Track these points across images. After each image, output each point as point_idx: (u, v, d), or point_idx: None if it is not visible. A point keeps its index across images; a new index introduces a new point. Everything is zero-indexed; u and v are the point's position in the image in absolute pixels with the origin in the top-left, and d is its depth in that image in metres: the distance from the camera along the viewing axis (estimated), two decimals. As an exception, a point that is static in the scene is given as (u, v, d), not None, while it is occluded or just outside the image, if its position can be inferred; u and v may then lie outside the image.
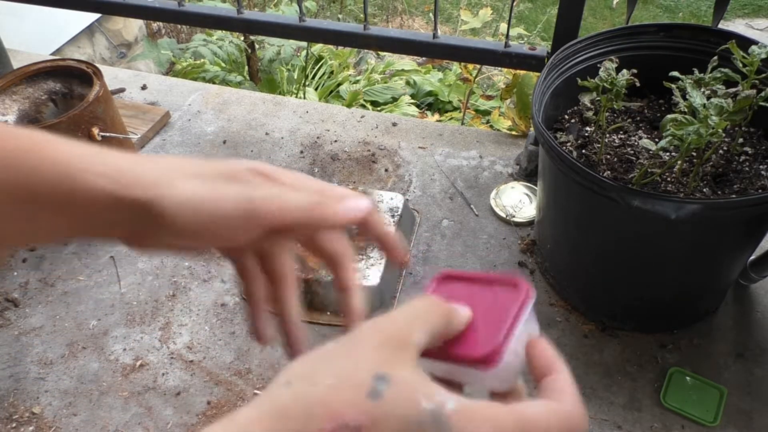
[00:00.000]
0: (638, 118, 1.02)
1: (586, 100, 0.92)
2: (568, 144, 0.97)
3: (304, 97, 2.30)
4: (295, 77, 2.45)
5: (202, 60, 2.30)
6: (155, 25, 3.32)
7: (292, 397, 0.29)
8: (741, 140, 0.95)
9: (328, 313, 1.04)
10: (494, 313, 0.34)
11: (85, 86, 1.15)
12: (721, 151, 0.94)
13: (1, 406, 0.95)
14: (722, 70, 0.83)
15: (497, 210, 1.19)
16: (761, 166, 0.91)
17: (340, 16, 3.66)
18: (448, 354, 0.33)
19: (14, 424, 0.93)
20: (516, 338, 0.33)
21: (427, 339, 0.32)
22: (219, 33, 2.39)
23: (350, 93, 2.35)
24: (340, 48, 2.54)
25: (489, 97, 2.12)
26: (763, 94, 0.80)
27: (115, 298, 1.09)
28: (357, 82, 2.50)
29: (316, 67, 2.57)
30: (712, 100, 0.78)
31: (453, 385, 0.34)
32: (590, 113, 0.95)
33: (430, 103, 2.46)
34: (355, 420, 0.28)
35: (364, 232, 0.41)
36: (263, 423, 0.28)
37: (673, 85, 0.84)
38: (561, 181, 0.92)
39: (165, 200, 0.34)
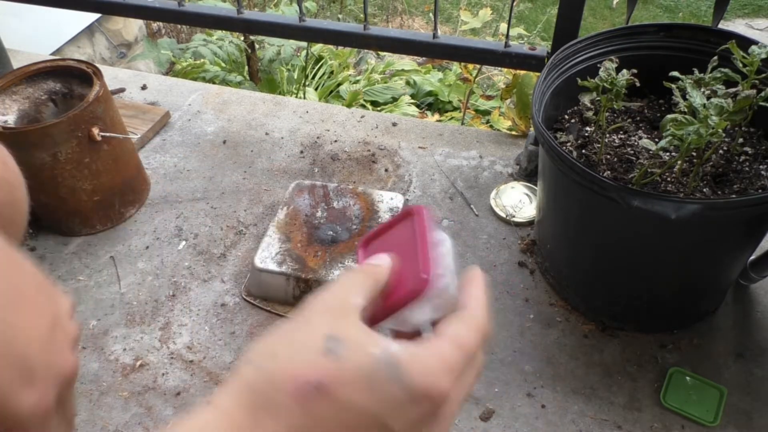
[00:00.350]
0: (638, 118, 1.02)
1: (586, 100, 0.92)
2: (568, 144, 0.97)
3: (304, 97, 2.30)
4: (295, 77, 2.45)
5: (202, 60, 2.30)
6: (155, 25, 3.32)
7: (255, 372, 0.31)
8: (741, 140, 0.95)
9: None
10: (406, 247, 0.37)
11: (85, 86, 1.15)
12: (721, 151, 0.94)
13: (1, 406, 0.95)
14: (722, 70, 0.83)
15: (497, 210, 1.19)
16: (761, 166, 0.91)
17: (340, 16, 3.66)
18: (392, 305, 0.36)
19: (14, 424, 0.93)
20: (435, 257, 0.35)
21: (365, 298, 0.35)
22: (219, 33, 2.39)
23: (350, 93, 2.35)
24: (340, 48, 2.55)
25: (489, 97, 2.12)
26: (763, 94, 0.80)
27: (115, 298, 1.09)
28: (357, 82, 2.50)
29: (316, 67, 2.57)
30: (712, 100, 0.78)
31: (414, 336, 0.37)
32: (590, 113, 0.95)
33: (430, 103, 2.46)
34: (315, 376, 0.30)
35: None
36: (236, 401, 0.31)
37: (673, 85, 0.84)
38: (561, 181, 0.92)
39: None
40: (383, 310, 0.36)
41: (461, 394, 0.34)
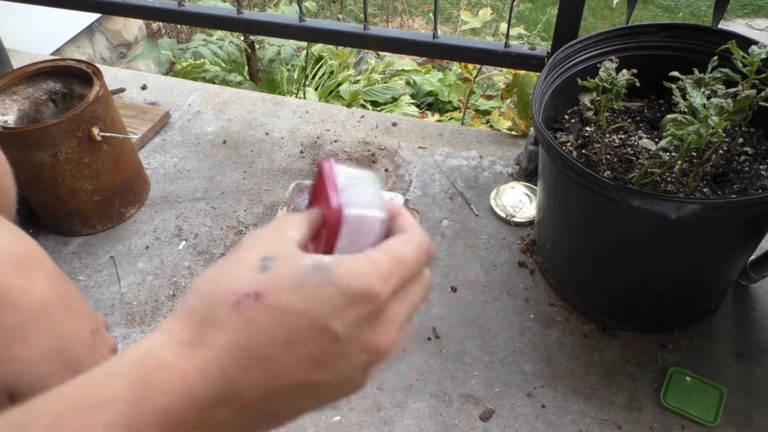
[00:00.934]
0: (638, 118, 1.02)
1: (586, 100, 0.92)
2: (568, 144, 0.97)
3: (304, 97, 2.30)
4: (295, 77, 2.45)
5: (202, 60, 2.30)
6: (155, 25, 3.32)
7: (196, 296, 0.33)
8: (741, 140, 0.95)
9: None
10: (322, 195, 0.38)
11: (85, 86, 1.15)
12: (721, 151, 0.94)
13: (1, 406, 0.95)
14: (722, 70, 0.83)
15: (497, 210, 1.19)
16: (761, 166, 0.91)
17: (340, 16, 3.66)
18: (324, 246, 0.37)
19: (14, 424, 0.93)
20: (342, 191, 0.37)
21: (299, 232, 0.36)
22: (219, 33, 2.39)
23: (350, 93, 2.35)
24: (340, 48, 2.54)
25: (489, 97, 2.12)
26: (763, 94, 0.80)
27: (115, 298, 1.09)
28: (357, 82, 2.50)
29: (316, 67, 2.57)
30: (712, 100, 0.78)
31: None
32: (590, 113, 0.95)
33: (430, 103, 2.46)
34: (252, 288, 0.31)
35: None
36: (179, 323, 0.32)
37: (673, 85, 0.84)
38: (561, 181, 0.92)
39: None
40: (319, 251, 0.38)
41: (405, 304, 0.35)
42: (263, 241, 0.35)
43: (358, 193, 0.37)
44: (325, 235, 0.37)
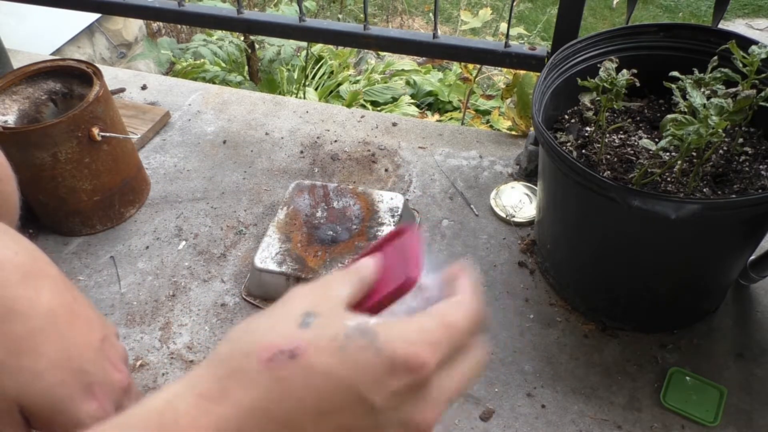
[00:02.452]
0: (638, 118, 1.02)
1: (586, 100, 0.92)
2: (568, 144, 0.97)
3: (304, 97, 2.30)
4: (295, 77, 2.45)
5: (202, 60, 2.30)
6: (155, 25, 3.32)
7: (229, 346, 0.31)
8: (741, 140, 0.95)
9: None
10: (394, 252, 0.37)
11: (85, 86, 1.15)
12: (721, 151, 0.94)
13: (1, 406, 0.95)
14: (722, 70, 0.83)
15: (497, 210, 1.19)
16: (761, 166, 0.91)
17: (340, 16, 3.66)
18: (377, 303, 0.35)
19: (14, 424, 0.93)
20: (424, 266, 0.35)
21: (350, 291, 0.33)
22: (219, 33, 2.39)
23: (350, 93, 2.35)
24: (340, 48, 2.55)
25: (489, 97, 2.12)
26: (763, 94, 0.80)
27: (115, 298, 1.09)
28: (357, 82, 2.51)
29: (316, 67, 2.57)
30: (712, 100, 0.78)
31: None
32: (590, 113, 0.95)
33: (430, 103, 2.46)
34: (288, 345, 0.29)
35: None
36: (207, 372, 0.30)
37: (673, 85, 0.84)
38: (561, 181, 0.92)
39: None
40: (368, 309, 0.35)
41: (452, 378, 0.31)
42: (308, 295, 0.33)
43: (427, 266, 0.35)
44: (379, 292, 0.35)
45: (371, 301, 0.35)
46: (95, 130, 1.08)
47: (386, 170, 1.31)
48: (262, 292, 1.06)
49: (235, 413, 0.28)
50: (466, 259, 1.12)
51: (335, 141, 1.39)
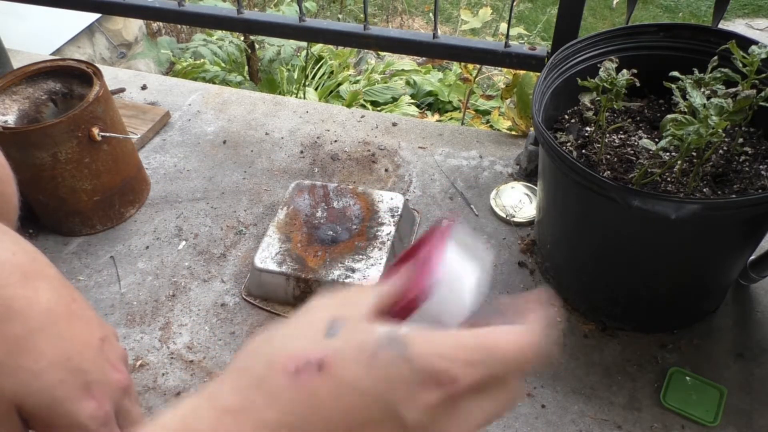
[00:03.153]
0: (638, 118, 1.02)
1: (586, 100, 0.92)
2: (568, 144, 0.97)
3: (304, 97, 2.30)
4: (295, 77, 2.45)
5: (202, 60, 2.30)
6: (155, 25, 3.32)
7: (251, 355, 0.29)
8: (741, 140, 0.95)
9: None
10: (421, 259, 0.34)
11: (85, 86, 1.15)
12: (721, 151, 0.94)
13: (1, 406, 0.95)
14: (722, 70, 0.83)
15: (497, 210, 1.19)
16: (761, 166, 0.91)
17: (340, 16, 3.66)
18: (401, 310, 0.33)
19: (14, 424, 0.93)
20: (445, 267, 0.32)
21: (374, 300, 0.31)
22: (219, 33, 2.39)
23: (350, 93, 2.35)
24: (340, 48, 2.55)
25: (489, 97, 2.12)
26: (763, 94, 0.80)
27: (115, 298, 1.09)
28: (357, 82, 2.51)
29: (316, 67, 2.57)
30: (712, 100, 0.78)
31: None
32: (590, 113, 0.95)
33: (430, 103, 2.46)
34: (315, 355, 0.27)
35: None
36: (228, 384, 0.29)
37: (673, 85, 0.84)
38: (561, 181, 0.92)
39: None
40: (394, 315, 0.34)
41: (479, 407, 0.29)
42: (332, 304, 0.31)
43: (446, 272, 0.32)
44: (400, 306, 0.32)
45: (393, 311, 0.33)
46: (95, 130, 1.08)
47: (386, 170, 1.31)
48: (262, 292, 1.06)
49: (258, 429, 0.27)
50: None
51: (335, 141, 1.39)
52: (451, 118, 2.23)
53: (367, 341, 0.28)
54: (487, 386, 0.29)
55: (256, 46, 2.52)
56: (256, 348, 0.30)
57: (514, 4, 3.31)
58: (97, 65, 1.17)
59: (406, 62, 2.66)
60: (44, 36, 2.63)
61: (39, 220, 1.21)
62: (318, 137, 1.40)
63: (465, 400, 0.28)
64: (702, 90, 0.82)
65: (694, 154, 0.90)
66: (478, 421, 0.29)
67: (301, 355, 0.28)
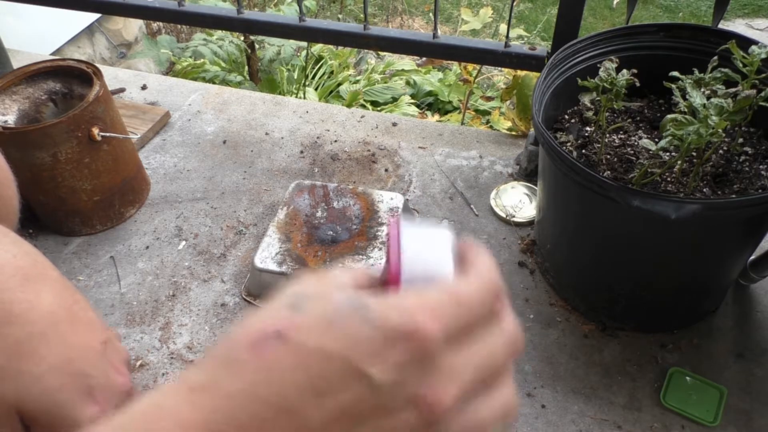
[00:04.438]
0: (638, 118, 1.02)
1: (586, 100, 0.92)
2: (568, 144, 0.97)
3: (304, 97, 2.30)
4: (295, 77, 2.45)
5: (202, 60, 2.30)
6: (155, 25, 3.32)
7: (222, 339, 0.30)
8: (741, 140, 0.95)
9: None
10: (388, 249, 0.34)
11: (85, 86, 1.15)
12: (721, 151, 0.94)
13: (1, 406, 0.95)
14: (722, 70, 0.83)
15: (497, 210, 1.19)
16: (761, 166, 0.91)
17: (340, 16, 3.66)
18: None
19: (14, 424, 0.93)
20: (407, 251, 0.32)
21: (352, 279, 0.31)
22: (219, 33, 2.39)
23: (350, 93, 2.35)
24: (340, 48, 2.55)
25: (489, 99, 2.12)
26: (763, 94, 0.80)
27: (115, 298, 1.09)
28: (357, 82, 2.51)
29: (316, 67, 2.57)
30: (712, 100, 0.78)
31: None
32: (590, 113, 0.95)
33: (430, 103, 2.46)
34: (273, 327, 0.27)
35: None
36: (197, 367, 0.29)
37: (673, 85, 0.84)
38: (561, 181, 0.92)
39: None
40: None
41: (471, 355, 0.28)
42: (303, 282, 0.31)
43: (423, 257, 0.32)
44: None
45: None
46: (95, 130, 1.08)
47: (386, 170, 1.31)
48: (262, 292, 1.06)
49: (225, 403, 0.27)
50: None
51: (335, 141, 1.39)
52: (451, 119, 2.23)
53: (327, 307, 0.28)
54: (468, 335, 0.28)
55: (256, 46, 2.52)
56: (228, 333, 0.30)
57: (514, 4, 3.31)
58: (97, 65, 1.17)
59: (406, 62, 2.66)
60: (44, 36, 2.63)
61: (39, 220, 1.21)
62: (318, 137, 1.40)
63: (443, 354, 0.27)
64: (702, 90, 0.82)
65: (694, 154, 0.90)
66: (472, 370, 0.28)
67: (259, 329, 0.28)
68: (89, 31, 2.96)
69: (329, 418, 0.26)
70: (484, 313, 0.29)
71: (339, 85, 2.50)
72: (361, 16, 2.06)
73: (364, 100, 2.35)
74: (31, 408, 0.39)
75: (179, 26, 3.30)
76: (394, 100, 2.38)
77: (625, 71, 0.86)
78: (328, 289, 0.29)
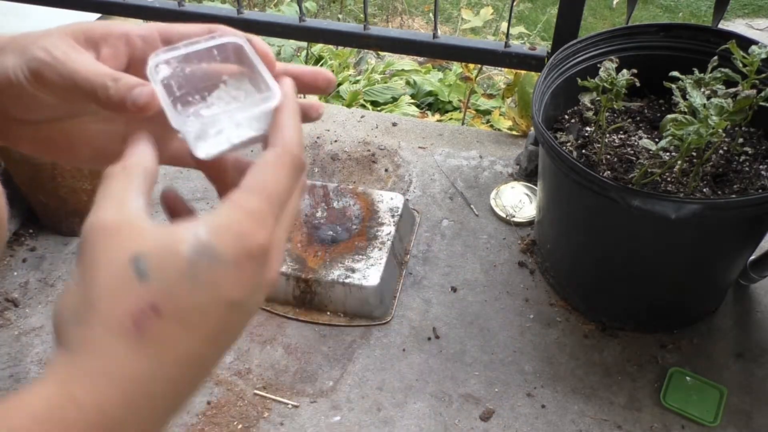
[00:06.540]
0: (638, 118, 1.02)
1: (586, 100, 0.92)
2: (568, 144, 0.97)
3: (304, 97, 2.30)
4: (295, 77, 2.44)
5: (202, 60, 2.30)
6: (155, 25, 3.32)
7: (76, 331, 0.28)
8: (741, 140, 0.95)
9: (328, 313, 1.04)
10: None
11: (85, 86, 1.15)
12: (721, 151, 0.94)
13: (1, 406, 0.95)
14: (722, 70, 0.83)
15: (497, 210, 1.19)
16: (761, 166, 0.91)
17: (340, 16, 3.66)
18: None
19: (14, 424, 0.93)
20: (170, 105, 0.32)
21: (142, 195, 0.31)
22: (219, 33, 2.39)
23: (350, 93, 2.35)
24: (340, 48, 2.55)
25: (490, 97, 2.12)
26: (763, 94, 0.80)
27: (115, 298, 1.09)
28: (357, 82, 2.51)
29: (316, 67, 2.57)
30: (712, 100, 0.78)
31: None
32: (590, 113, 0.95)
33: (430, 103, 2.46)
34: (144, 304, 0.27)
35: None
36: (72, 367, 0.27)
37: (673, 85, 0.84)
38: (561, 181, 0.92)
39: None
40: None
41: (284, 226, 0.33)
42: (114, 234, 0.29)
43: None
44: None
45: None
46: (95, 130, 1.08)
47: (386, 170, 1.31)
48: (262, 292, 1.06)
49: (134, 388, 0.27)
50: (466, 259, 1.12)
51: (335, 141, 1.39)
52: (451, 118, 2.23)
53: (179, 268, 0.28)
54: (281, 215, 0.32)
55: (256, 46, 2.52)
56: (73, 319, 0.28)
57: (515, 3, 3.31)
58: (97, 65, 1.17)
59: (406, 62, 2.66)
60: (44, 36, 2.62)
61: (39, 220, 1.21)
62: (318, 137, 1.40)
63: (273, 243, 0.31)
64: (702, 90, 0.82)
65: (694, 154, 0.90)
66: (286, 234, 0.33)
67: (129, 310, 0.27)
68: (89, 31, 2.96)
69: (221, 351, 0.30)
70: (292, 190, 0.33)
71: (339, 85, 2.50)
72: (361, 16, 2.06)
73: (364, 100, 2.35)
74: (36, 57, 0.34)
75: (179, 26, 3.29)
76: (394, 100, 2.38)
77: (625, 71, 0.86)
78: (154, 236, 0.29)
